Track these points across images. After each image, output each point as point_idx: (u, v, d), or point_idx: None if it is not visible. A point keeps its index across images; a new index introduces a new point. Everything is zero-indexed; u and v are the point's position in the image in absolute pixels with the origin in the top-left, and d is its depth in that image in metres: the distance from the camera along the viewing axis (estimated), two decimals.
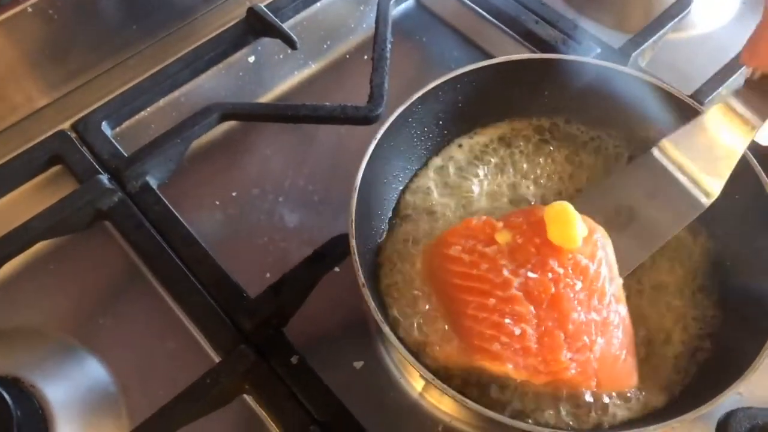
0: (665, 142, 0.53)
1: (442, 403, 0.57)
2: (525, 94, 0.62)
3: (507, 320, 0.47)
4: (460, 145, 0.63)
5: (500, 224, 0.51)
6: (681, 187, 0.53)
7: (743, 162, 0.53)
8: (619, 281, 0.51)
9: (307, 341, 0.58)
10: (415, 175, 0.62)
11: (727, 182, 0.53)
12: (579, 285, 0.48)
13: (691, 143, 0.52)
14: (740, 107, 0.49)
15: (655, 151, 0.54)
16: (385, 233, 0.59)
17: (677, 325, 0.54)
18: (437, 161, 0.62)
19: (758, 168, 0.53)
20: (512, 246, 0.49)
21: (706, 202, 0.53)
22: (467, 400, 0.46)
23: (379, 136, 0.56)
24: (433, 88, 0.58)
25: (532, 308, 0.47)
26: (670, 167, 0.53)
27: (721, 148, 0.50)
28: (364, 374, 0.58)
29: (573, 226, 0.48)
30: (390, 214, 0.60)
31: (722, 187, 0.52)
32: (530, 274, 0.47)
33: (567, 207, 0.49)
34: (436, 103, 0.60)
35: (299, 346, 0.57)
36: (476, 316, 0.48)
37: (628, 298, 0.53)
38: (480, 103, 0.62)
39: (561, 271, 0.48)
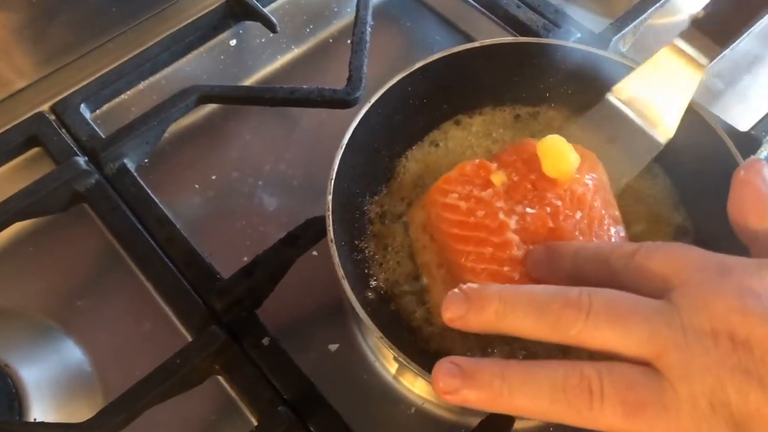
0: (620, 86, 0.54)
1: (415, 385, 0.57)
2: (509, 79, 0.61)
3: (505, 267, 0.46)
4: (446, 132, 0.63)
5: (494, 165, 0.50)
6: (638, 129, 0.54)
7: (719, 144, 0.53)
8: (615, 203, 0.51)
9: (283, 324, 0.59)
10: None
11: (705, 168, 0.53)
12: (579, 214, 0.47)
13: (644, 85, 0.53)
14: (687, 47, 0.50)
15: (611, 97, 0.54)
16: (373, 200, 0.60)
17: None
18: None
19: (734, 149, 0.53)
20: (508, 186, 0.49)
21: (663, 141, 0.54)
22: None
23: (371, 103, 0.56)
24: (419, 69, 0.58)
25: (530, 248, 0.46)
26: (627, 111, 0.54)
27: (673, 88, 0.52)
28: (339, 357, 0.58)
29: (567, 158, 0.48)
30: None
31: (677, 126, 0.53)
32: (528, 210, 0.47)
33: (559, 139, 0.49)
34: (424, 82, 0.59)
35: (275, 328, 0.57)
36: (474, 268, 0.47)
37: None
38: (465, 88, 0.61)
39: (559, 203, 0.47)
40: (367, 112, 0.56)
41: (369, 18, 0.69)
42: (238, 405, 0.55)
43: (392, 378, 0.58)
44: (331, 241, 0.49)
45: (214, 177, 0.68)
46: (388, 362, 0.58)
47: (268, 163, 0.69)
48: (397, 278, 0.55)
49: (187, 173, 0.68)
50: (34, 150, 0.67)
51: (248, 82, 0.74)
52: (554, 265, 0.39)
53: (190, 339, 0.58)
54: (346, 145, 0.54)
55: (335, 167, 0.53)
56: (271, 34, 0.74)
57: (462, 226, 0.49)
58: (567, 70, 0.60)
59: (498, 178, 0.49)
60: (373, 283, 0.55)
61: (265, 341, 0.54)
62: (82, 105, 0.67)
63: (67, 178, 0.61)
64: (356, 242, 0.56)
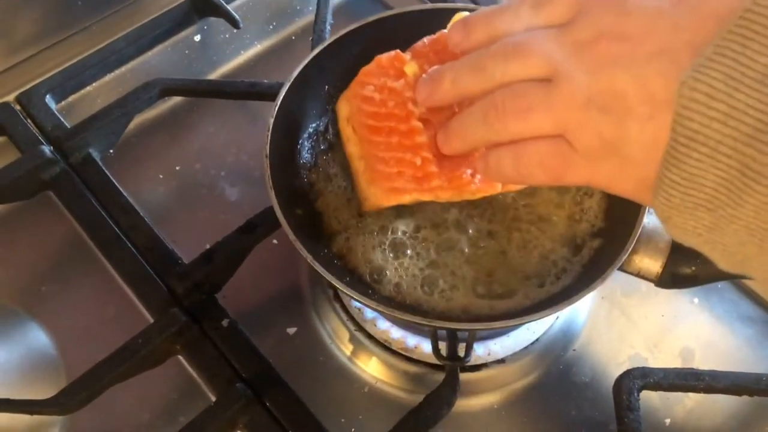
0: None
1: (369, 366, 0.60)
2: None
3: (408, 154, 0.49)
4: None
5: (408, 56, 0.51)
6: None
7: None
8: None
9: (245, 308, 0.61)
10: None
11: None
12: None
13: None
14: None
15: None
16: None
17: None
18: None
19: None
20: (419, 76, 0.49)
21: None
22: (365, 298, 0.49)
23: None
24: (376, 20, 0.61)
25: (432, 134, 0.48)
26: None
27: None
28: (296, 339, 0.61)
29: None
30: None
31: None
32: None
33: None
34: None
35: (236, 312, 0.60)
36: (384, 157, 0.50)
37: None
38: None
39: None
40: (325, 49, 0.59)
41: (329, 17, 0.71)
42: (198, 383, 0.58)
43: (347, 359, 0.61)
44: (266, 156, 0.52)
45: (178, 167, 0.70)
46: (343, 344, 0.61)
47: (230, 155, 0.71)
48: (332, 201, 0.57)
49: (152, 164, 0.70)
50: (0, 139, 0.68)
51: (212, 76, 0.77)
52: (473, 36, 0.42)
53: (152, 321, 0.60)
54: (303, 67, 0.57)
55: (284, 90, 0.55)
56: (235, 31, 0.77)
57: (376, 117, 0.50)
58: None
59: (410, 68, 0.50)
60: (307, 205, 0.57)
61: (225, 323, 0.57)
62: (48, 96, 0.69)
63: (32, 167, 0.63)
64: (298, 170, 0.58)
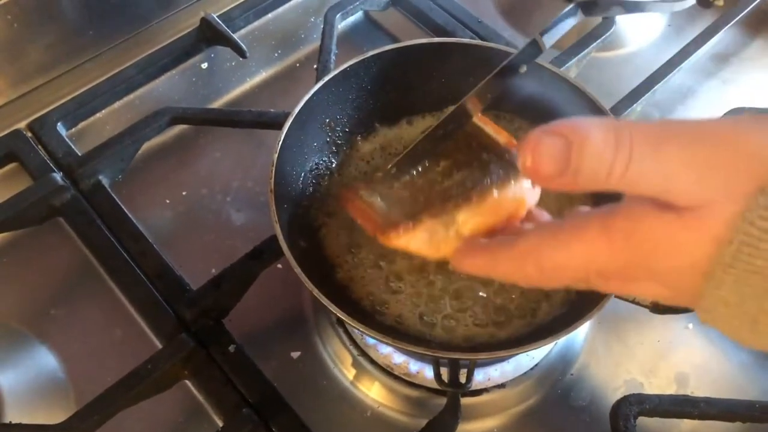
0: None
1: (372, 390, 0.61)
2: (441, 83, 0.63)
3: None
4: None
5: None
6: None
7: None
8: None
9: (249, 333, 0.63)
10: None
11: None
12: None
13: None
14: None
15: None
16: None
17: None
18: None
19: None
20: None
21: None
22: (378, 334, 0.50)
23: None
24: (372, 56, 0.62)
25: None
26: None
27: None
28: (300, 363, 0.62)
29: None
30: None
31: None
32: None
33: None
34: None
35: (241, 336, 0.61)
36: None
37: None
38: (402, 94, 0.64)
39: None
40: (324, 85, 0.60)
41: (333, 46, 0.73)
42: (205, 408, 0.59)
43: (350, 384, 0.62)
44: (271, 191, 0.53)
45: (184, 193, 0.72)
46: (346, 369, 0.62)
47: (236, 180, 0.73)
48: (333, 233, 0.59)
49: (159, 189, 0.72)
50: (11, 165, 0.70)
51: (218, 103, 0.79)
52: None
53: (159, 346, 0.61)
54: (301, 109, 0.58)
55: (288, 124, 0.57)
56: (241, 59, 0.78)
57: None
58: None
59: None
60: (311, 236, 0.58)
61: (231, 348, 0.58)
62: (59, 123, 0.70)
63: (44, 194, 0.64)
64: (301, 201, 0.60)
